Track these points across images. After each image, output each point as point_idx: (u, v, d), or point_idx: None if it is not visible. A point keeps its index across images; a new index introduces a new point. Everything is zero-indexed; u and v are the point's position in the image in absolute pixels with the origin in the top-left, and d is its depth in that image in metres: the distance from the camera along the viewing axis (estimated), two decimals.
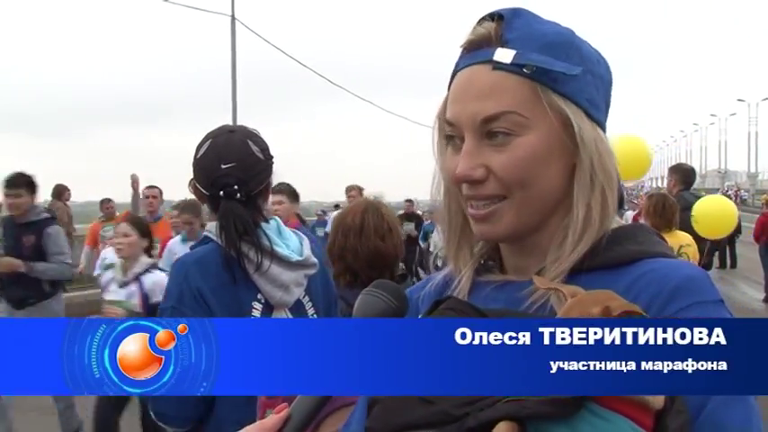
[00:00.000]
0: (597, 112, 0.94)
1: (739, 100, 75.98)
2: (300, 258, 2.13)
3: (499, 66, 0.90)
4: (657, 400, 0.74)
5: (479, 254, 1.03)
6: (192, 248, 2.17)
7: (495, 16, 0.94)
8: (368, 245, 2.52)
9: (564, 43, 0.93)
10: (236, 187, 2.04)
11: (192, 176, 2.17)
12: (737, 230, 15.46)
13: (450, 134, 0.95)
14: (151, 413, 2.02)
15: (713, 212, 5.66)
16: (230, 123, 2.45)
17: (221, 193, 2.04)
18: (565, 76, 0.90)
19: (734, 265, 16.02)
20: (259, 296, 2.06)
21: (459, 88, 0.94)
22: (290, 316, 2.11)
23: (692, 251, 5.12)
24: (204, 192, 2.10)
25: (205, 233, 2.12)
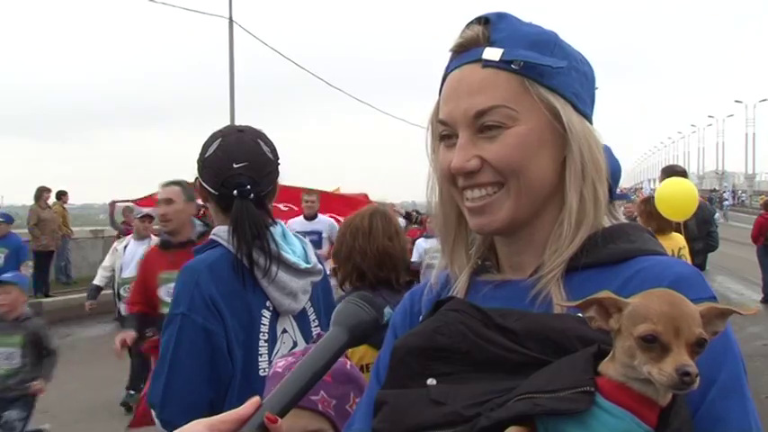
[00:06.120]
0: (583, 105, 0.97)
1: (737, 102, 76.25)
2: (309, 266, 2.08)
3: (488, 63, 0.94)
4: (665, 398, 0.75)
5: (476, 255, 1.05)
6: (196, 252, 2.09)
7: (482, 20, 0.98)
8: (376, 245, 2.55)
9: (548, 41, 0.97)
10: (248, 187, 1.98)
11: (197, 175, 2.08)
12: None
13: (445, 134, 0.98)
14: (157, 421, 1.93)
15: (675, 194, 5.56)
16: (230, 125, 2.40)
17: (235, 192, 1.98)
18: (551, 69, 0.94)
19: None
20: (268, 303, 2.00)
21: (451, 88, 0.97)
22: (294, 322, 2.07)
23: (687, 253, 5.16)
24: (212, 191, 2.04)
25: (212, 237, 2.04)
